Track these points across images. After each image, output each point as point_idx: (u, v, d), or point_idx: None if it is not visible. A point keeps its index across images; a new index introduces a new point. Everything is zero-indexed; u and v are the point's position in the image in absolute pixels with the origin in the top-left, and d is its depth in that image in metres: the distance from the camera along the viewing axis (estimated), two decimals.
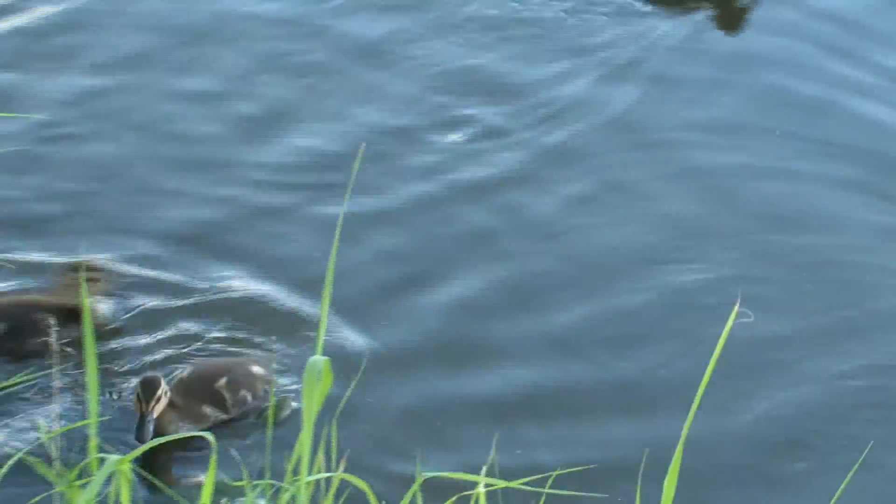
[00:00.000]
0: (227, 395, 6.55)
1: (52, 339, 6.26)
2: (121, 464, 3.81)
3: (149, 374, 6.31)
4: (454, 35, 11.58)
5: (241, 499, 4.61)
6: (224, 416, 6.38)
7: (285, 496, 4.03)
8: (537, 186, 9.76)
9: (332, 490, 4.18)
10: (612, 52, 11.40)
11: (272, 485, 4.30)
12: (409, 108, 10.59)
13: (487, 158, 9.95)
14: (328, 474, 4.14)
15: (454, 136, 10.22)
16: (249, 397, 6.57)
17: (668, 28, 11.63)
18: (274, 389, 6.64)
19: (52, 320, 6.28)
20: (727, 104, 10.73)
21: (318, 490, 4.22)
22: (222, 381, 6.51)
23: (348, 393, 4.98)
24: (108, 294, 6.46)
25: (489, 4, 12.14)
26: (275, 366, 7.27)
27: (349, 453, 4.61)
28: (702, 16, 11.77)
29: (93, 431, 3.85)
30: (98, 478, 3.79)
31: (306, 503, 3.95)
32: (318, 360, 3.87)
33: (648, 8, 11.87)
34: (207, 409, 6.34)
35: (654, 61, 11.20)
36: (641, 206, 9.70)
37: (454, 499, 4.71)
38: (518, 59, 11.35)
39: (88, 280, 6.14)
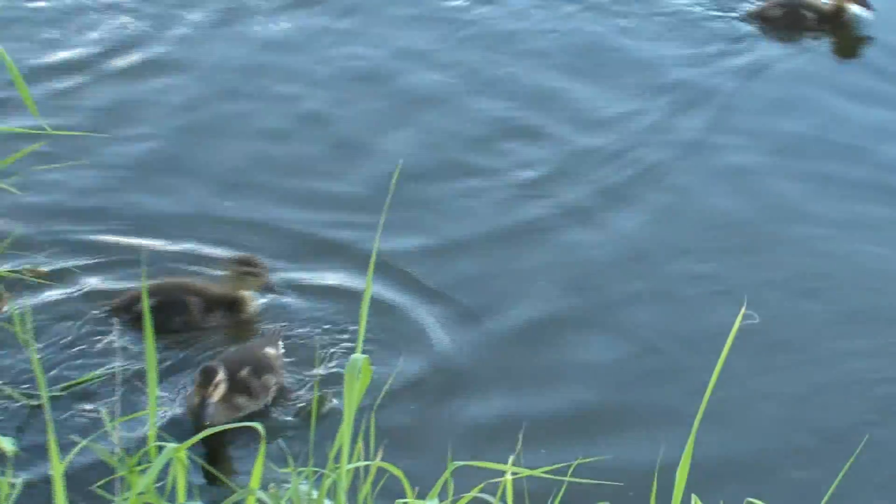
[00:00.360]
0: (253, 384, 6.40)
1: (195, 319, 6.36)
2: (177, 451, 3.86)
3: (208, 363, 6.25)
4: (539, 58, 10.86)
5: (287, 484, 4.30)
6: (255, 406, 6.28)
7: (327, 482, 4.03)
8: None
9: (370, 477, 4.11)
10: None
11: (315, 471, 4.10)
12: (479, 145, 9.82)
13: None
14: (367, 462, 4.14)
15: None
16: (272, 380, 6.44)
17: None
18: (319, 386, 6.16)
19: (198, 303, 6.35)
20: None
21: (357, 477, 4.20)
22: (245, 371, 6.36)
23: (386, 386, 4.90)
24: (263, 290, 6.50)
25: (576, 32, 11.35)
26: (280, 343, 7.00)
27: (387, 443, 4.65)
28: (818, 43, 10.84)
29: (152, 421, 3.89)
30: (157, 464, 3.83)
31: (346, 489, 4.02)
32: (359, 357, 3.90)
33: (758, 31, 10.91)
34: (241, 400, 6.25)
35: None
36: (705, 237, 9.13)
37: (482, 485, 4.29)
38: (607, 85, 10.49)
39: (247, 274, 6.33)
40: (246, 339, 6.91)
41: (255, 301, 6.48)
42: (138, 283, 6.69)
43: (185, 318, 6.31)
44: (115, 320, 6.64)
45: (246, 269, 6.30)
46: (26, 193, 7.50)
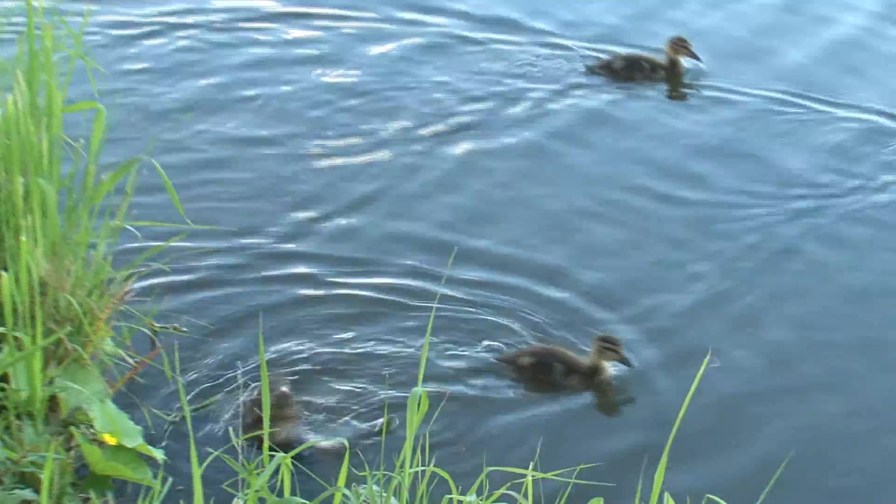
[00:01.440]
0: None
1: (557, 380, 6.29)
2: (284, 459, 3.98)
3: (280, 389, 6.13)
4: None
5: (364, 485, 4.41)
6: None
7: (394, 483, 4.19)
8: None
9: (426, 479, 4.23)
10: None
11: (385, 475, 4.29)
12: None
13: None
14: (423, 468, 4.24)
15: None
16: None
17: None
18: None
19: (561, 368, 6.28)
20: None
21: (416, 479, 4.29)
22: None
23: (441, 406, 4.89)
24: (618, 362, 6.34)
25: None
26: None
27: (439, 453, 4.93)
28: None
29: (266, 435, 3.94)
30: (269, 468, 3.94)
31: (407, 487, 4.18)
32: (418, 391, 4.09)
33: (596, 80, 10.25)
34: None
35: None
36: None
37: (507, 485, 4.45)
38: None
39: (608, 350, 6.25)
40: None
41: (609, 370, 6.33)
42: (537, 343, 6.57)
43: (550, 378, 6.24)
44: (506, 369, 6.50)
45: (607, 346, 6.21)
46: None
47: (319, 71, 10.20)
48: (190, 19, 10.47)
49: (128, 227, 5.96)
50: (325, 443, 6.65)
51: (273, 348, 6.32)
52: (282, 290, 6.86)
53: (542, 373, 6.28)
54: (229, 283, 6.71)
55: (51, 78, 5.61)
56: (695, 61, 10.13)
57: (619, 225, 8.22)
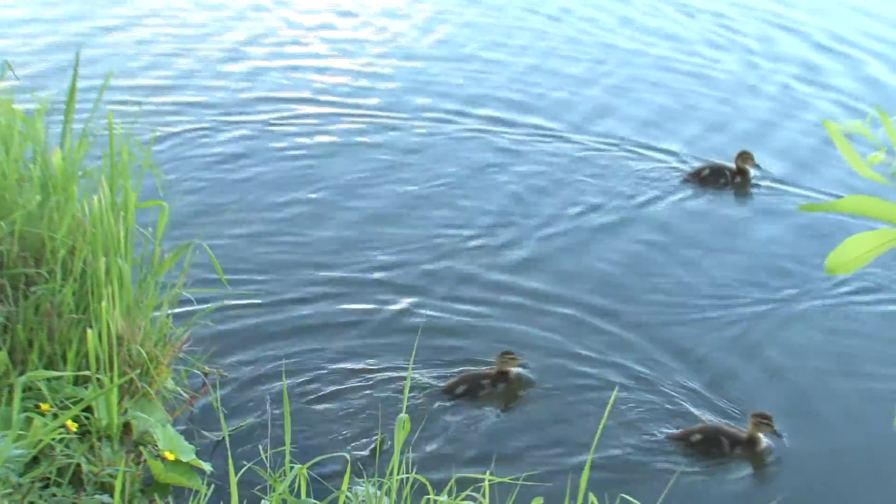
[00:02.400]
0: None
1: (725, 452, 6.07)
2: (301, 469, 4.19)
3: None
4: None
5: (362, 486, 4.46)
6: None
7: (386, 486, 4.25)
8: None
9: (409, 483, 4.42)
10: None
11: (379, 481, 4.37)
12: None
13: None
14: (407, 475, 4.42)
15: None
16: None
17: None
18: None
19: (727, 442, 6.06)
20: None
21: (402, 484, 4.44)
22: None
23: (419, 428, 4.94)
24: (771, 434, 6.08)
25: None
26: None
27: (422, 462, 5.14)
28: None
29: (287, 449, 4.17)
30: (289, 477, 4.05)
31: (395, 490, 4.24)
32: (403, 417, 4.31)
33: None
34: None
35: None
36: None
37: (469, 490, 4.51)
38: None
39: (762, 423, 6.03)
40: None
41: (763, 441, 6.10)
42: (700, 423, 6.26)
43: (719, 451, 6.01)
44: (678, 444, 6.15)
45: (763, 421, 6.00)
46: None
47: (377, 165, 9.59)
48: (242, 118, 10.24)
49: (184, 293, 6.10)
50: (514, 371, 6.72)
51: (297, 390, 6.22)
52: (307, 335, 6.80)
53: (713, 447, 6.04)
54: (260, 336, 6.69)
55: (126, 182, 5.75)
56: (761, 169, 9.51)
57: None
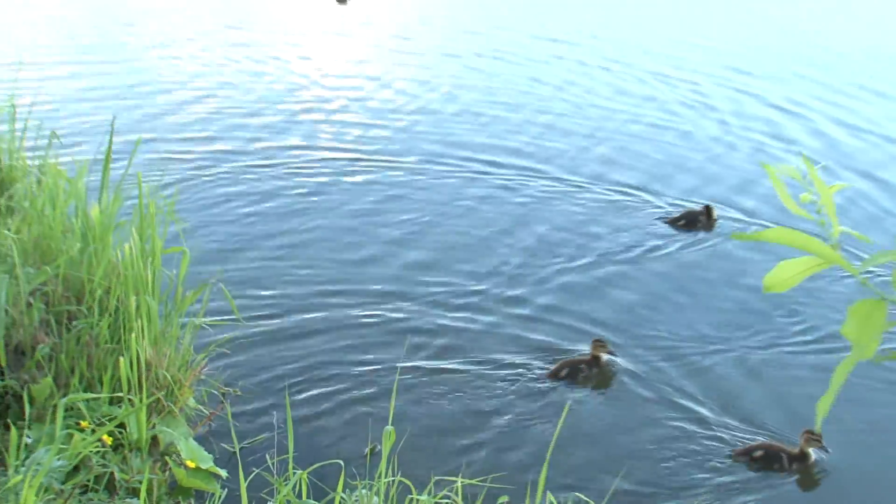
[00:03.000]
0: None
1: (784, 467, 5.90)
2: (301, 475, 4.27)
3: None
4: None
5: (357, 492, 4.51)
6: None
7: (375, 487, 4.33)
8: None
9: (395, 485, 4.43)
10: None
11: (370, 483, 4.48)
12: None
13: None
14: (394, 478, 4.45)
15: None
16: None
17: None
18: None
19: (786, 458, 5.88)
20: None
21: (389, 486, 4.45)
22: None
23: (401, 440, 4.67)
24: (820, 449, 5.91)
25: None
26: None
27: (406, 465, 4.97)
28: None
29: (291, 456, 4.26)
30: (293, 480, 4.15)
31: (383, 491, 4.32)
32: (388, 429, 4.36)
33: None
34: None
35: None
36: None
37: (445, 490, 4.61)
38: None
39: (812, 440, 5.88)
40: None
41: (813, 456, 5.94)
42: (760, 441, 6.09)
43: (780, 466, 5.89)
44: (741, 460, 5.98)
45: (814, 438, 5.83)
46: None
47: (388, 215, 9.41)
48: (261, 165, 10.18)
49: (203, 325, 6.19)
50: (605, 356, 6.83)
51: (301, 405, 6.13)
52: (308, 358, 6.75)
53: (773, 461, 5.87)
54: (269, 360, 6.66)
55: (154, 232, 5.82)
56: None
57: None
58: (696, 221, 9.25)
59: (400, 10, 15.15)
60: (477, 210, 9.62)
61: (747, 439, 6.15)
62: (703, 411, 6.48)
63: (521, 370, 6.85)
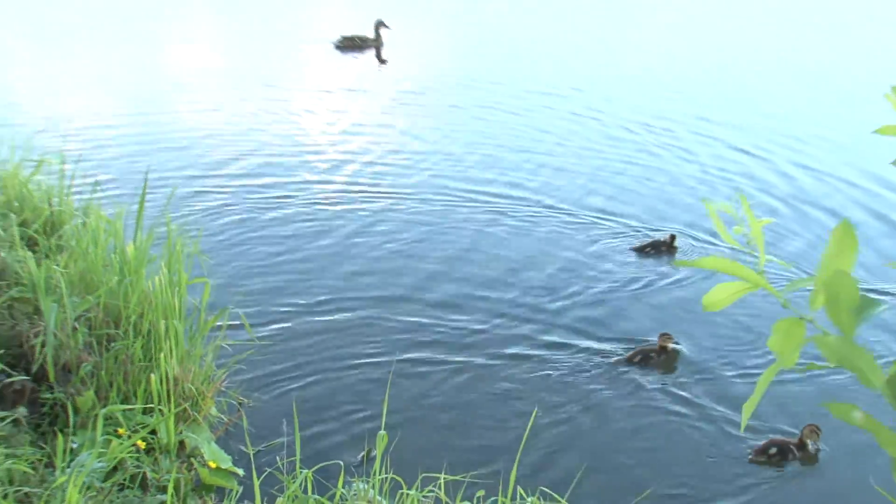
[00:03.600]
0: None
1: (795, 458, 5.91)
2: (307, 474, 4.33)
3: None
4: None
5: (355, 486, 4.53)
6: None
7: (371, 483, 4.41)
8: None
9: (388, 481, 4.46)
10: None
11: (367, 479, 4.55)
12: None
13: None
14: (387, 475, 4.45)
15: None
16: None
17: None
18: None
19: (795, 448, 5.92)
20: None
21: (384, 482, 4.49)
22: None
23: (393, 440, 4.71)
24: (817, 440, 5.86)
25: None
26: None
27: (399, 464, 4.86)
28: None
29: (297, 457, 4.37)
30: (299, 478, 4.20)
31: (378, 486, 4.38)
32: (382, 433, 4.40)
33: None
34: None
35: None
36: None
37: (430, 486, 4.56)
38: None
39: (813, 432, 5.89)
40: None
41: (811, 446, 5.95)
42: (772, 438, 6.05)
43: (790, 458, 5.89)
44: (759, 458, 5.94)
45: (814, 429, 5.89)
46: None
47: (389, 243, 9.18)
48: (283, 203, 9.96)
49: (223, 345, 6.18)
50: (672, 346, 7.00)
51: (308, 412, 6.11)
52: (314, 374, 6.72)
53: (784, 455, 5.86)
54: (280, 375, 6.63)
55: (180, 266, 5.90)
56: None
57: None
58: (659, 248, 9.09)
59: (421, 68, 15.09)
60: (487, 237, 9.52)
61: (756, 440, 6.15)
62: (718, 415, 6.47)
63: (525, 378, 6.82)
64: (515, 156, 12.00)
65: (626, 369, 7.02)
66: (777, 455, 5.94)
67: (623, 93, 15.13)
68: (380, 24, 14.65)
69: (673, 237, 9.23)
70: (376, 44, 14.75)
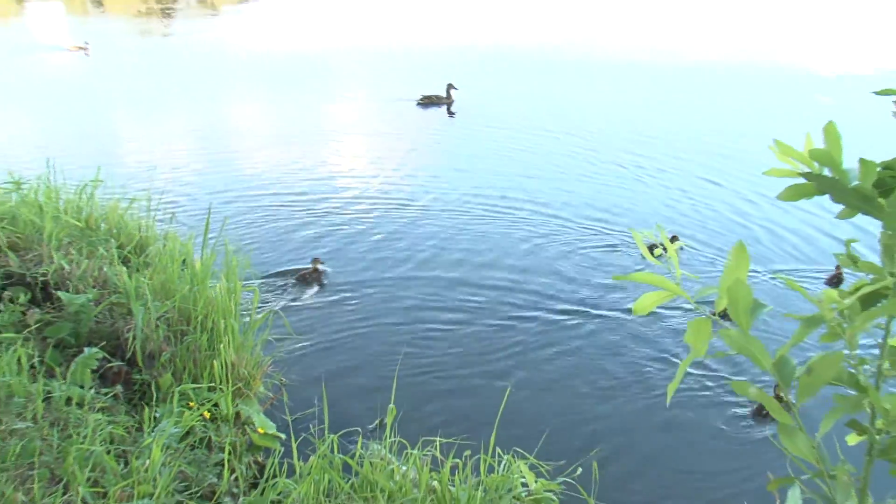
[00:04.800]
0: None
1: None
2: (334, 437, 4.20)
3: None
4: None
5: (370, 447, 4.39)
6: None
7: (383, 444, 4.26)
8: None
9: (396, 444, 4.38)
10: None
11: (379, 441, 4.41)
12: None
13: None
14: (393, 439, 4.38)
15: None
16: None
17: None
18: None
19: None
20: None
21: (393, 444, 4.43)
22: None
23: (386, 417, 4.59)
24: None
25: None
26: None
27: (405, 430, 4.83)
28: None
29: (326, 424, 4.16)
30: (327, 442, 4.14)
31: (388, 448, 4.30)
32: (391, 406, 4.37)
33: None
34: None
35: None
36: None
37: (427, 448, 4.45)
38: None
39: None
40: None
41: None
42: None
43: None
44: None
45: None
46: None
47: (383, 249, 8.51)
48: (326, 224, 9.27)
49: (269, 339, 6.14)
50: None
51: (335, 389, 5.82)
52: (341, 362, 6.55)
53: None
54: (313, 360, 6.50)
55: (235, 277, 5.77)
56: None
57: None
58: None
59: (481, 119, 14.44)
60: (494, 241, 8.93)
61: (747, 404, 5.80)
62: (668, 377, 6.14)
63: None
64: (545, 184, 11.30)
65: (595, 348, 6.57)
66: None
67: (618, 132, 14.24)
68: (450, 86, 15.22)
69: (675, 238, 8.48)
70: (447, 101, 15.21)
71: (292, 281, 7.58)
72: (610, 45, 23.79)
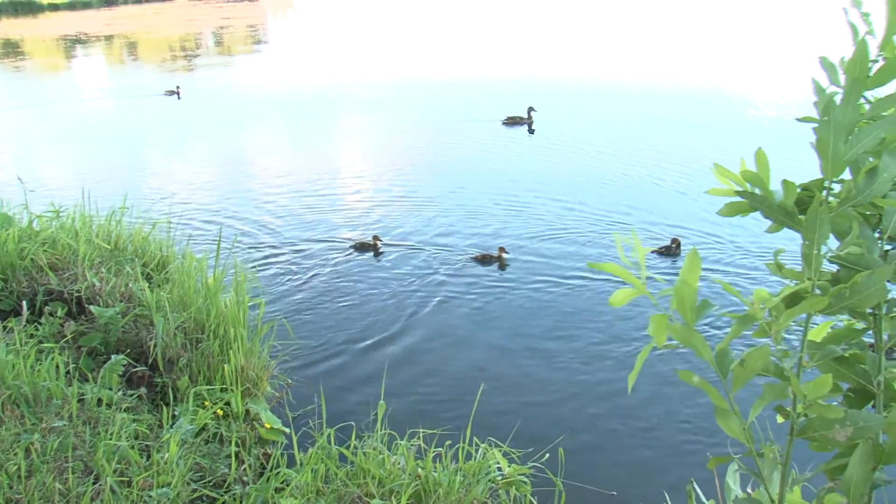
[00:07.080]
0: None
1: None
2: (330, 430, 4.12)
3: None
4: None
5: (363, 440, 4.18)
6: None
7: (375, 436, 4.17)
8: None
9: (386, 435, 4.19)
10: None
11: (372, 434, 4.26)
12: None
13: None
14: (385, 431, 4.13)
15: None
16: None
17: None
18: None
19: None
20: None
21: (384, 436, 4.20)
22: None
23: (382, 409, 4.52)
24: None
25: None
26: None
27: (394, 423, 4.69)
28: None
29: (324, 420, 4.18)
30: (325, 434, 4.06)
31: (379, 439, 4.16)
32: (381, 403, 4.24)
33: None
34: None
35: None
36: None
37: (415, 439, 4.28)
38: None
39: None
40: None
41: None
42: None
43: None
44: None
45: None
46: None
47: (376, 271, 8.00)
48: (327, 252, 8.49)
49: (273, 344, 6.03)
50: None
51: (332, 390, 5.77)
52: (339, 367, 6.33)
53: None
54: (314, 364, 6.37)
55: (244, 291, 5.70)
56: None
57: None
58: (668, 249, 7.67)
59: (552, 135, 14.02)
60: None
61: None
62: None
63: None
64: (602, 189, 10.67)
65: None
66: None
67: (621, 150, 13.37)
68: (530, 109, 15.64)
69: (676, 240, 7.84)
70: (528, 121, 15.58)
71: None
72: (678, 71, 21.84)
